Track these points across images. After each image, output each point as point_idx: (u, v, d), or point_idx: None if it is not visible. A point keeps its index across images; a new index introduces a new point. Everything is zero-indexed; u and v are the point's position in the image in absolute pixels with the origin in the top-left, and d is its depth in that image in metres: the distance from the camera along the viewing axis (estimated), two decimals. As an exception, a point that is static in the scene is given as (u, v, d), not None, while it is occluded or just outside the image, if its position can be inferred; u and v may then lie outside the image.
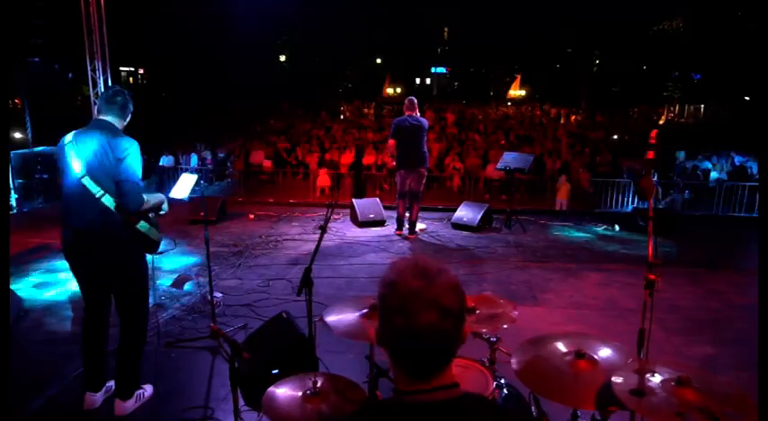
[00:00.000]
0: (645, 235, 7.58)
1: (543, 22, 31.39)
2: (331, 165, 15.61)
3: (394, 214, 7.59)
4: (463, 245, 7.07)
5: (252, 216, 8.41)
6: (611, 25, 30.65)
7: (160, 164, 13.68)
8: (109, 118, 2.97)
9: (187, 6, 26.83)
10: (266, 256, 6.47)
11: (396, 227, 7.50)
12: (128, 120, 3.10)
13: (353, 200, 8.13)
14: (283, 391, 2.09)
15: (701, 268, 6.23)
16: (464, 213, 7.84)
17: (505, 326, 2.49)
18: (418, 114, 7.12)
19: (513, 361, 2.35)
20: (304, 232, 7.54)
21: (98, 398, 3.12)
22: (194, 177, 3.78)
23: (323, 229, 2.89)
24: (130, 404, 3.10)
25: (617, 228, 7.87)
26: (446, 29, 43.75)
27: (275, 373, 2.61)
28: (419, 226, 7.55)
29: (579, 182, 13.76)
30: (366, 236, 7.41)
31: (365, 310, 2.47)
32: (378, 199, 8.17)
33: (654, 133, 2.02)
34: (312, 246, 6.88)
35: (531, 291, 5.51)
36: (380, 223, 7.86)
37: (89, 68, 9.81)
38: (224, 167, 15.61)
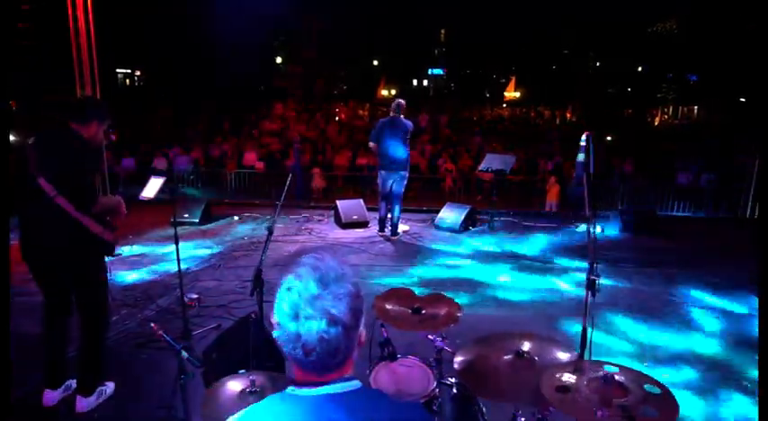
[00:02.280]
0: (627, 236, 7.62)
1: (539, 23, 31.46)
2: (325, 167, 15.69)
3: (377, 215, 7.64)
4: (444, 245, 7.11)
5: (237, 217, 8.45)
6: (607, 26, 30.73)
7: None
8: (71, 122, 3.01)
9: (182, 7, 26.87)
10: (247, 258, 6.50)
11: (378, 228, 7.55)
12: (92, 125, 3.12)
13: (337, 201, 8.18)
14: (222, 390, 2.13)
15: (677, 269, 6.27)
16: (447, 215, 7.88)
17: (452, 326, 2.53)
18: (403, 117, 7.17)
19: (456, 360, 2.40)
20: (287, 234, 7.58)
21: (56, 395, 3.17)
22: (162, 179, 3.83)
23: (270, 231, 2.91)
24: (92, 400, 3.15)
25: (599, 229, 7.90)
26: (443, 31, 43.90)
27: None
28: (402, 227, 7.59)
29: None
30: (348, 237, 7.45)
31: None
32: (361, 200, 8.21)
33: (587, 134, 2.06)
34: (294, 247, 6.96)
35: (504, 291, 5.55)
36: (364, 224, 7.90)
37: (76, 71, 9.86)
38: (217, 169, 15.64)
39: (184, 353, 2.05)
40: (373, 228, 7.74)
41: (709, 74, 26.71)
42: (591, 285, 2.42)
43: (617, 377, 1.99)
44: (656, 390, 1.94)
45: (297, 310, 1.12)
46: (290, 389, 1.21)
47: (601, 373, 1.99)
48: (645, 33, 31.26)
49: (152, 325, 2.05)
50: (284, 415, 1.19)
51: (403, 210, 7.96)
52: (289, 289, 1.15)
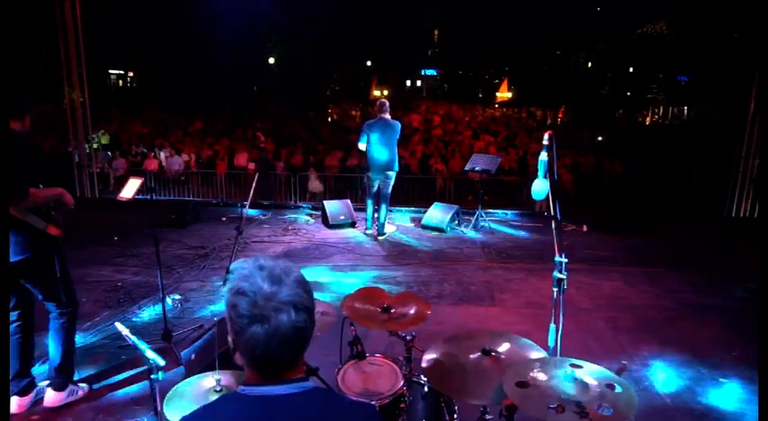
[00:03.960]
0: (611, 235, 7.65)
1: (532, 25, 31.57)
2: (317, 167, 15.68)
3: (364, 215, 7.65)
4: (429, 245, 7.13)
5: (224, 218, 8.43)
6: (598, 28, 30.91)
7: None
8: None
9: (175, 8, 26.80)
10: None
11: (365, 228, 7.57)
12: (26, 121, 3.02)
13: (324, 202, 8.19)
14: (187, 389, 2.14)
15: (660, 268, 6.32)
16: (434, 215, 7.91)
17: (420, 325, 2.55)
18: (389, 117, 7.19)
19: (424, 358, 2.41)
20: (273, 234, 7.58)
21: (27, 401, 3.17)
22: (140, 180, 3.83)
23: (239, 231, 2.92)
24: (62, 396, 3.16)
25: (585, 228, 7.95)
26: (436, 31, 43.94)
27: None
28: (388, 227, 7.61)
29: (562, 184, 13.88)
30: (335, 237, 7.46)
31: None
32: (348, 201, 8.21)
33: (548, 134, 2.09)
34: (280, 248, 6.97)
35: (491, 291, 5.57)
36: (351, 224, 7.91)
37: (63, 71, 9.85)
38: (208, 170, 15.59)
39: (149, 353, 2.05)
40: (360, 228, 7.76)
41: (699, 75, 26.91)
42: (558, 283, 2.44)
43: (579, 374, 2.02)
44: (619, 389, 1.97)
45: (259, 311, 1.13)
46: (240, 388, 1.23)
47: (562, 370, 2.01)
48: (633, 35, 31.44)
49: (116, 324, 2.04)
50: (232, 414, 1.21)
51: (390, 210, 7.99)
52: (245, 293, 1.16)
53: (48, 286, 3.10)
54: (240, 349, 1.19)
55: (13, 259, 2.89)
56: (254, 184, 3.27)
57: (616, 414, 1.74)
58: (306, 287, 1.22)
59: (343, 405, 1.34)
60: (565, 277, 2.44)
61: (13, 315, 3.09)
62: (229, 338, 1.21)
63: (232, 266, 1.26)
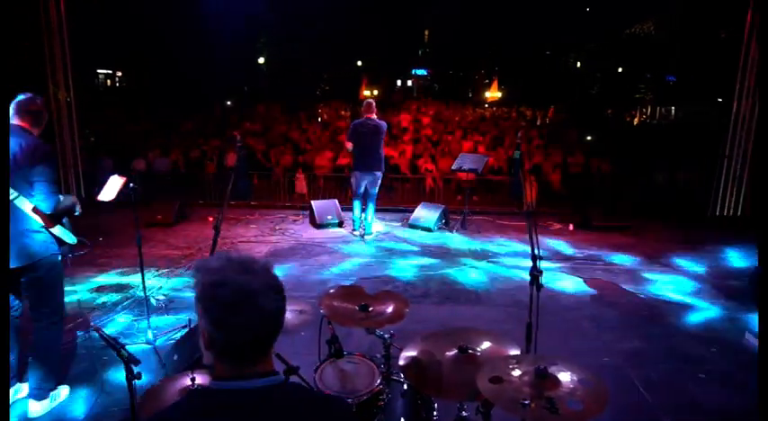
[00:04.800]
0: (597, 234, 7.68)
1: (522, 25, 31.69)
2: (305, 168, 15.63)
3: (351, 215, 7.65)
4: (416, 245, 7.15)
5: (211, 218, 8.39)
6: (589, 28, 31.09)
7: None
8: (24, 123, 2.99)
9: (163, 8, 26.63)
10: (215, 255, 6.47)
11: (352, 227, 7.57)
12: (42, 127, 3.10)
13: (312, 201, 8.18)
14: (164, 389, 2.13)
15: (644, 266, 6.38)
16: (421, 214, 7.92)
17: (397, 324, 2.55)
18: (376, 117, 7.20)
19: (402, 356, 2.42)
20: (260, 234, 7.56)
21: None
22: (122, 179, 3.79)
23: (216, 230, 2.91)
24: (45, 404, 3.11)
25: (570, 227, 8.00)
26: (426, 31, 44.00)
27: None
28: (376, 227, 7.62)
29: (550, 182, 13.95)
30: (322, 237, 7.46)
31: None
32: (336, 200, 8.21)
33: (521, 133, 2.10)
34: (267, 248, 6.95)
35: (475, 289, 5.60)
36: (338, 224, 7.91)
37: (48, 70, 9.75)
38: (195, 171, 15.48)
39: (125, 352, 2.04)
40: (348, 228, 7.76)
41: (686, 75, 27.16)
42: (534, 281, 2.46)
43: (552, 370, 2.04)
44: (590, 384, 1.99)
45: (240, 298, 1.16)
46: (211, 383, 1.23)
47: (535, 366, 2.03)
48: (624, 35, 31.69)
49: (92, 325, 2.03)
50: (202, 409, 1.21)
51: (378, 210, 8.00)
52: (221, 284, 1.17)
53: (49, 293, 3.09)
54: (218, 342, 1.19)
55: (23, 263, 2.90)
56: (230, 185, 3.25)
57: (586, 409, 1.75)
58: (274, 274, 1.26)
59: (314, 398, 1.35)
60: (541, 274, 2.45)
61: None
62: (202, 336, 1.22)
63: (197, 264, 1.27)
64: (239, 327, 1.17)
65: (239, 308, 1.16)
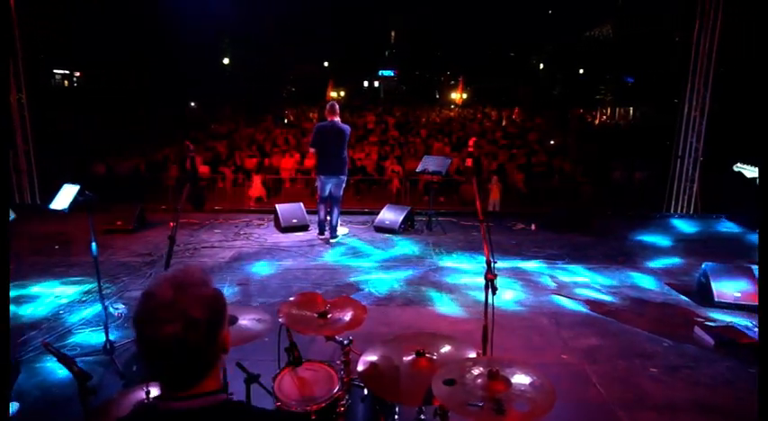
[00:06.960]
0: (558, 233, 7.87)
1: (487, 29, 32.23)
2: (270, 170, 15.51)
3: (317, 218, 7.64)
4: (381, 247, 7.18)
5: (173, 224, 8.22)
6: (549, 31, 31.89)
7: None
8: None
9: (124, 8, 26.00)
10: (180, 265, 6.36)
11: (317, 231, 7.55)
12: None
13: (276, 205, 8.12)
14: (117, 402, 2.10)
15: (601, 263, 6.59)
16: (386, 216, 7.96)
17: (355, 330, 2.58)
18: (339, 120, 7.20)
19: (361, 361, 2.45)
20: (224, 239, 7.46)
21: None
22: (76, 187, 3.69)
23: (171, 240, 2.88)
24: None
25: (533, 227, 8.18)
26: (393, 32, 44.25)
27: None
28: (341, 230, 7.62)
29: (514, 183, 14.24)
30: (287, 241, 7.41)
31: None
32: (301, 204, 8.17)
33: (471, 141, 2.16)
34: (231, 253, 6.87)
35: (440, 291, 5.67)
36: (304, 228, 7.88)
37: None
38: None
39: (76, 368, 2.00)
40: (313, 232, 7.74)
41: (643, 76, 28.09)
42: (489, 284, 2.52)
43: (506, 372, 2.10)
44: (540, 386, 2.05)
45: (153, 315, 1.13)
46: (155, 402, 1.22)
47: (487, 368, 2.08)
48: (583, 37, 32.59)
49: (41, 341, 1.99)
50: None
51: (344, 213, 8.00)
52: (146, 295, 1.16)
53: None
54: (139, 353, 1.18)
55: None
56: (184, 195, 3.22)
57: (532, 410, 1.82)
58: (210, 305, 1.18)
59: (255, 416, 1.33)
60: (495, 277, 2.51)
61: None
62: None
63: (167, 271, 1.25)
64: (148, 344, 1.14)
65: (148, 322, 1.13)
